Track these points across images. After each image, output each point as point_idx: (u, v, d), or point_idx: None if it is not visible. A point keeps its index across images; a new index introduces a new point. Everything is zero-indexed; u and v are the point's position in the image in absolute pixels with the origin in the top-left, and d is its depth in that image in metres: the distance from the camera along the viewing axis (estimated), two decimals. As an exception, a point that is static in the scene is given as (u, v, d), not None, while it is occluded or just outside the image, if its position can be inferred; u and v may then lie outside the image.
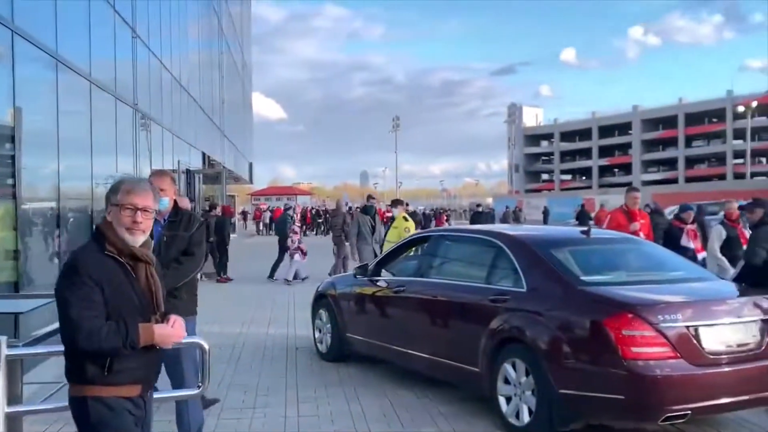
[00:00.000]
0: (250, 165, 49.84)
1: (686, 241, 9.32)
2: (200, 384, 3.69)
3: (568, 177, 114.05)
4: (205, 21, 28.61)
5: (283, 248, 17.06)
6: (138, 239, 2.83)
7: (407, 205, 14.75)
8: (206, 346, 3.40)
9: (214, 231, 16.25)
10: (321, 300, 8.30)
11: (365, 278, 7.62)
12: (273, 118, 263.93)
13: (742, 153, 79.92)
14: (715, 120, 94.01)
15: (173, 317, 2.90)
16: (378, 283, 7.37)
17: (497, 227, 8.75)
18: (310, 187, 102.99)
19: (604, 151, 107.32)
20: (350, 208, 28.55)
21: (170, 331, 2.83)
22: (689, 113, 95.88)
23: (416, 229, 13.59)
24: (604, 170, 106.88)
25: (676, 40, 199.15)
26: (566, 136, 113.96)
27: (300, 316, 10.37)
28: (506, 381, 5.45)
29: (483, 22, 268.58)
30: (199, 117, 25.93)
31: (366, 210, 14.56)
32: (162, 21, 18.76)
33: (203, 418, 4.89)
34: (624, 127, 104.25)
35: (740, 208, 8.89)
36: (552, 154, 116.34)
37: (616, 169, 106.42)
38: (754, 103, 73.69)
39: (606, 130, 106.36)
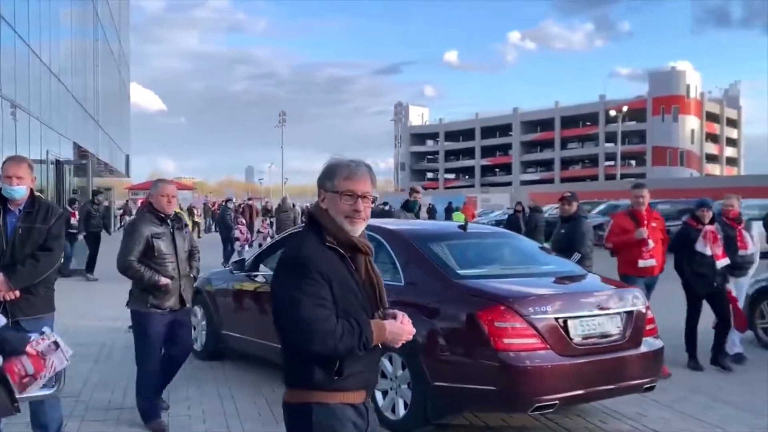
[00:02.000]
0: (127, 157, 47.85)
1: (703, 246, 7.45)
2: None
3: (452, 176, 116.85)
4: (79, 6, 27.17)
5: (226, 239, 18.88)
6: (358, 229, 2.52)
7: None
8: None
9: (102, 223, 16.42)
10: (196, 296, 7.99)
11: (242, 273, 7.41)
12: (152, 110, 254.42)
13: (613, 155, 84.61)
14: (588, 123, 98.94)
15: (399, 313, 2.55)
16: (256, 278, 7.18)
17: (376, 221, 8.73)
18: (192, 182, 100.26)
19: (487, 151, 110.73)
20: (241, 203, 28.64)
21: (401, 328, 2.49)
22: (565, 116, 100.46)
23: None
24: (486, 170, 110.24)
25: (551, 45, 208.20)
26: (451, 135, 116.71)
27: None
28: (383, 375, 5.43)
29: (367, 21, 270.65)
30: (72, 106, 24.60)
31: (409, 206, 10.76)
32: (30, 3, 17.64)
33: (62, 417, 4.59)
34: (505, 129, 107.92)
35: (560, 199, 7.78)
36: (437, 153, 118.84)
37: (497, 169, 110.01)
38: (625, 108, 78.24)
39: (488, 131, 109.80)
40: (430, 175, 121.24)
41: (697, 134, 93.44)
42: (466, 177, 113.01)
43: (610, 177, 79.74)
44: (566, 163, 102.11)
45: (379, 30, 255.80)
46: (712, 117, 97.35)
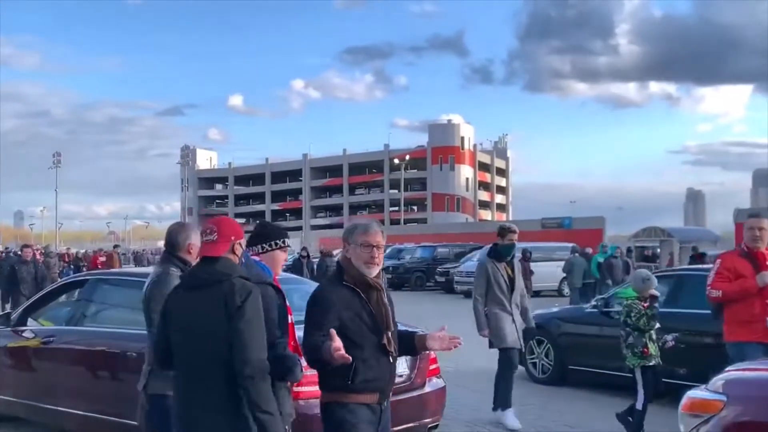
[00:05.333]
0: None
1: None
2: None
3: (243, 220, 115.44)
4: None
5: None
6: (373, 271, 3.46)
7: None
8: None
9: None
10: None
11: (8, 328, 6.72)
12: None
13: (397, 201, 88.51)
14: (374, 171, 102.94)
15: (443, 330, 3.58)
16: (23, 334, 6.55)
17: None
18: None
19: (277, 196, 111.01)
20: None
21: (442, 338, 3.58)
22: (352, 163, 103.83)
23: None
24: (276, 214, 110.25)
25: (335, 95, 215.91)
26: (241, 180, 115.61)
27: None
28: (168, 432, 5.16)
29: (148, 60, 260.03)
30: None
31: (500, 252, 7.70)
32: None
33: None
34: (295, 174, 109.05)
35: None
36: (226, 197, 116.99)
37: (288, 214, 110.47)
38: (407, 157, 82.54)
39: (278, 176, 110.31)
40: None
41: (471, 182, 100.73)
42: (257, 221, 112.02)
43: (395, 222, 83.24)
44: (354, 208, 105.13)
45: (160, 70, 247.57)
46: (483, 167, 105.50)
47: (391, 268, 28.79)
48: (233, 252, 3.29)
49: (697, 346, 7.42)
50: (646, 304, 6.33)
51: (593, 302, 9.41)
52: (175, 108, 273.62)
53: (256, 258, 3.66)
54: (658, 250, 33.91)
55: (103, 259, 28.71)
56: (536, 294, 20.62)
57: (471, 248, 30.29)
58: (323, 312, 3.36)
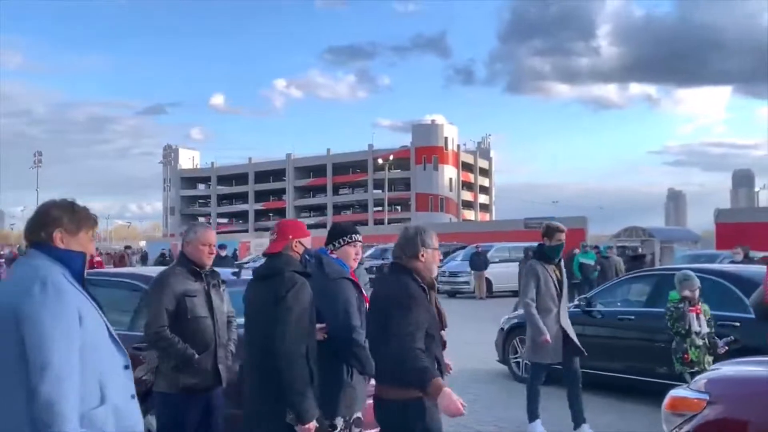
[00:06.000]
0: None
1: None
2: None
3: (225, 220, 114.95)
4: None
5: None
6: (435, 272, 3.68)
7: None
8: None
9: None
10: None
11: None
12: None
13: (381, 201, 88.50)
14: (358, 171, 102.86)
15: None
16: None
17: (143, 270, 8.32)
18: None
19: (260, 196, 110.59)
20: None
21: (452, 403, 3.20)
22: (336, 163, 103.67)
23: None
24: (259, 214, 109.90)
25: (318, 94, 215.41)
26: (223, 179, 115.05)
27: None
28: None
29: (129, 59, 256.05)
30: None
31: (546, 253, 6.87)
32: None
33: None
34: (278, 174, 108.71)
35: None
36: (209, 197, 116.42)
37: (271, 214, 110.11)
38: (391, 157, 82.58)
39: (262, 176, 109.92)
40: (201, 219, 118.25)
41: (454, 182, 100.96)
42: (240, 221, 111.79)
43: (378, 222, 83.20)
44: (338, 208, 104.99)
45: (142, 69, 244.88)
46: (467, 167, 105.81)
47: (374, 268, 28.79)
48: (292, 249, 3.75)
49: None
50: (697, 307, 6.04)
51: (576, 301, 9.44)
52: (158, 107, 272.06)
53: (333, 255, 4.08)
54: (639, 250, 34.16)
55: (99, 259, 28.35)
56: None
57: (455, 248, 30.35)
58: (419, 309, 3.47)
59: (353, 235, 4.17)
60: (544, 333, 6.42)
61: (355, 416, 3.90)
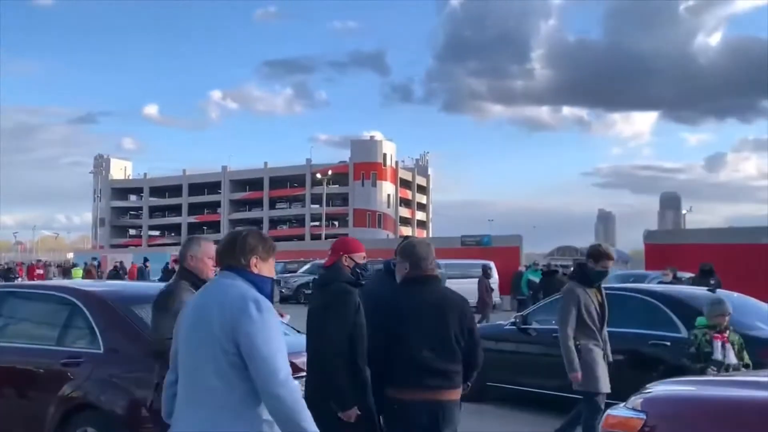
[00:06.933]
0: None
1: None
2: None
3: (157, 233, 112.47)
4: None
5: None
6: None
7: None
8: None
9: None
10: None
11: None
12: None
13: (318, 216, 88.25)
14: (296, 185, 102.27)
15: None
16: None
17: (72, 283, 8.02)
18: None
19: (194, 209, 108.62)
20: None
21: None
22: (273, 177, 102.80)
23: None
24: (193, 227, 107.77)
25: (254, 107, 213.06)
26: (156, 191, 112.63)
27: None
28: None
29: (56, 65, 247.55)
30: None
31: (588, 275, 6.32)
32: None
33: None
34: (214, 186, 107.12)
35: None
36: (141, 208, 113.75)
37: (205, 227, 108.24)
38: (330, 172, 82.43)
39: (196, 188, 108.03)
40: (132, 231, 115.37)
41: (392, 199, 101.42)
42: (173, 234, 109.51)
43: (315, 237, 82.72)
44: (275, 222, 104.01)
45: (73, 76, 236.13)
46: (405, 184, 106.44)
47: (310, 284, 28.56)
48: (343, 263, 4.23)
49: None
50: (723, 335, 5.43)
51: (512, 319, 9.51)
52: (89, 116, 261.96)
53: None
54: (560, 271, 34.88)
55: (40, 271, 27.23)
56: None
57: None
58: None
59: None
60: (577, 369, 5.95)
61: None
